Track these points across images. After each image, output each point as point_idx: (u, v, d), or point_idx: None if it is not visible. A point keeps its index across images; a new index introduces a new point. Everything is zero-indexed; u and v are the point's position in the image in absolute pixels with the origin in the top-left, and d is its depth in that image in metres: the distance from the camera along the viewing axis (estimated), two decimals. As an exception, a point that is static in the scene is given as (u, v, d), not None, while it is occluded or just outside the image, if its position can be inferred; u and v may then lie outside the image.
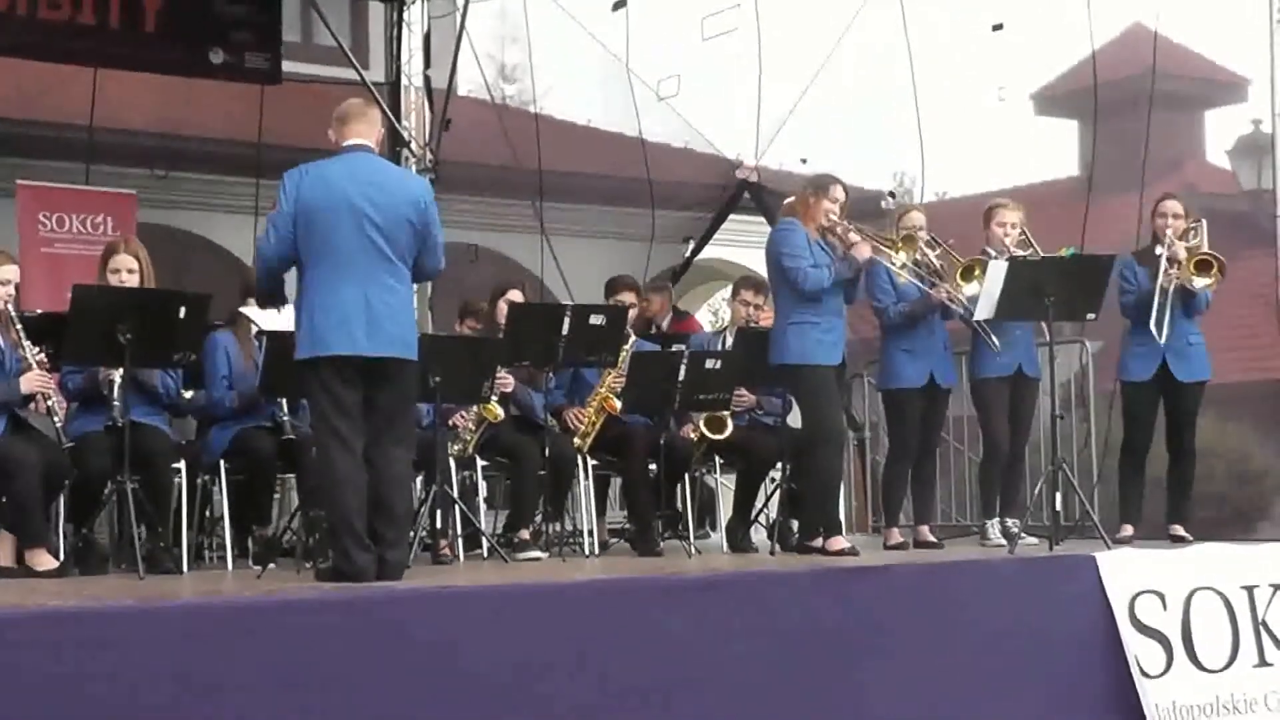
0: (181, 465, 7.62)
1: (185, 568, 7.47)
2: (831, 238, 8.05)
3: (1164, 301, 8.67)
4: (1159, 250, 8.81)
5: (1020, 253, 8.68)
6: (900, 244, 8.33)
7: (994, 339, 8.52)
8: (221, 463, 7.85)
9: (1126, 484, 9.02)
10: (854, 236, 8.01)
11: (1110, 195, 11.88)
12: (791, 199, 8.34)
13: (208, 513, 8.57)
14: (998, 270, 8.22)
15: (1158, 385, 8.84)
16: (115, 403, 7.27)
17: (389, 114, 11.28)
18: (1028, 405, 8.94)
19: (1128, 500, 8.98)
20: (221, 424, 7.97)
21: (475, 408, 8.41)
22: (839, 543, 7.90)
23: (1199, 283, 8.67)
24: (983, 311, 8.33)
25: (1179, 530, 8.82)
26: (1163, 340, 8.65)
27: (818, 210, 8.04)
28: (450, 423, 8.38)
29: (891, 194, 13.97)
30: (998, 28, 12.80)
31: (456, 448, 8.41)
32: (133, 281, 7.52)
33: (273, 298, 7.09)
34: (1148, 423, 8.94)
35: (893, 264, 8.33)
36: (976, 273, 8.47)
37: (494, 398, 8.27)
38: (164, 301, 7.24)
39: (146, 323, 7.03)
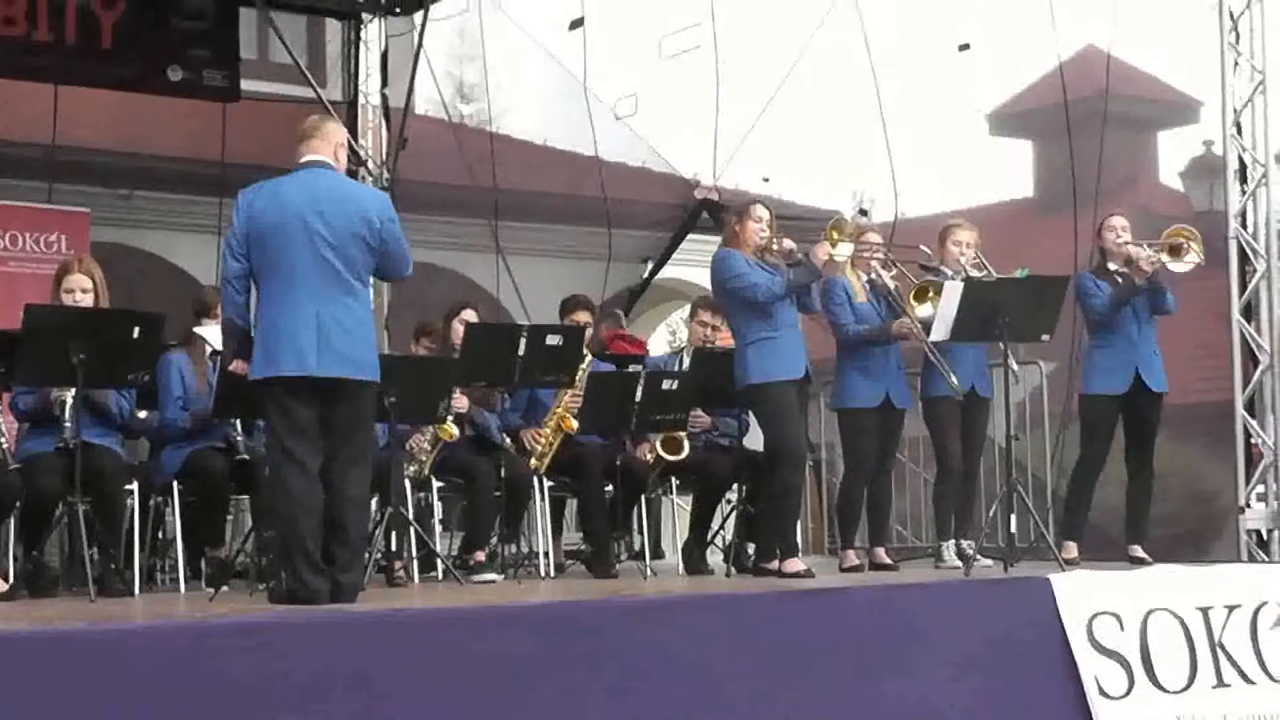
0: (134, 486, 7.56)
1: (137, 590, 7.39)
2: (769, 255, 8.09)
3: (1134, 299, 8.65)
4: (1112, 266, 8.82)
5: (976, 273, 8.67)
6: (834, 233, 8.17)
7: (953, 377, 8.46)
8: (174, 483, 7.81)
9: (1077, 500, 8.92)
10: (788, 243, 8.05)
11: (1063, 215, 11.92)
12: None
13: (160, 534, 8.50)
14: (953, 291, 8.19)
15: (1123, 399, 8.76)
16: (67, 423, 7.20)
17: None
18: (980, 426, 8.94)
19: (1075, 516, 8.90)
20: (174, 444, 7.94)
21: (430, 428, 8.38)
22: (795, 565, 7.90)
23: (1178, 266, 8.59)
24: (938, 333, 8.28)
25: (1139, 551, 8.72)
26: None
27: (746, 233, 8.11)
28: (406, 445, 8.35)
29: (863, 211, 13.96)
30: (964, 48, 12.79)
31: (412, 469, 8.38)
32: (86, 301, 7.46)
33: (238, 343, 6.70)
34: (1108, 438, 8.86)
35: (834, 256, 8.19)
36: (931, 294, 8.46)
37: (449, 418, 8.25)
38: (118, 321, 7.18)
39: (100, 342, 6.97)
